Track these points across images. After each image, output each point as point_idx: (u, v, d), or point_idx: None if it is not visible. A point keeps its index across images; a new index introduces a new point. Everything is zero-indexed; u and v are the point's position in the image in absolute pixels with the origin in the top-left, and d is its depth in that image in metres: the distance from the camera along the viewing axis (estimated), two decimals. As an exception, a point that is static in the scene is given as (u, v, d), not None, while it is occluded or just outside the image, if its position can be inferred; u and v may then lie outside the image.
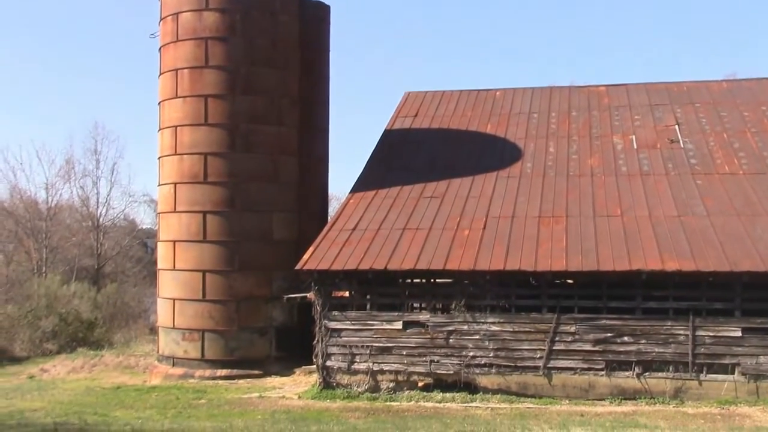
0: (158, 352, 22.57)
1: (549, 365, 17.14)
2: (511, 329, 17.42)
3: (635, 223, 18.33)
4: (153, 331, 28.03)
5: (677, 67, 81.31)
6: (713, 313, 16.67)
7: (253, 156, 21.54)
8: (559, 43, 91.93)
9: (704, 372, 16.53)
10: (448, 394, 17.19)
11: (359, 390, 17.83)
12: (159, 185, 22.83)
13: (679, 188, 19.85)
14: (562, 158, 22.09)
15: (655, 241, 17.47)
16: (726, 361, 16.48)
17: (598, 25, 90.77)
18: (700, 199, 19.19)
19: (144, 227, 51.62)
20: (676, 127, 23.07)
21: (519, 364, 17.31)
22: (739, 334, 16.46)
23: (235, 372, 20.79)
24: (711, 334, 16.59)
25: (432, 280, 18.56)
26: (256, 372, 20.84)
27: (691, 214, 18.56)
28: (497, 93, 26.90)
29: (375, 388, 17.88)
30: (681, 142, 22.22)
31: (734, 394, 16.22)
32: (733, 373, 16.45)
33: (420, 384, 17.79)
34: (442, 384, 17.67)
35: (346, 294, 18.68)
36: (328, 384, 18.15)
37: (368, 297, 18.38)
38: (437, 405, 16.54)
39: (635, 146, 22.26)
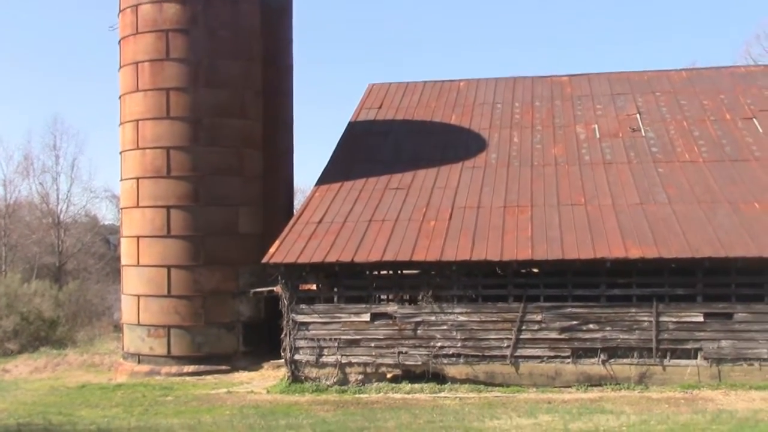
0: (123, 349, 22.28)
1: (516, 354, 17.28)
2: (478, 319, 17.52)
3: (599, 212, 18.54)
4: (117, 328, 27.69)
5: (638, 56, 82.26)
6: (676, 299, 16.95)
7: (217, 149, 21.31)
8: (521, 33, 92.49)
9: (668, 357, 16.81)
10: (416, 385, 17.25)
11: (328, 383, 17.80)
12: (121, 180, 22.49)
13: (641, 176, 20.10)
14: (526, 148, 22.23)
15: (619, 229, 17.69)
16: (689, 346, 16.77)
17: (559, 15, 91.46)
18: (662, 187, 19.46)
19: (106, 223, 50.90)
20: (638, 116, 23.35)
21: (486, 354, 17.42)
22: (701, 319, 16.77)
23: (202, 368, 20.62)
24: (674, 320, 16.86)
25: (399, 272, 18.57)
26: (223, 367, 20.69)
27: (653, 202, 18.81)
28: (461, 84, 26.95)
29: (344, 381, 17.87)
30: (642, 130, 22.50)
31: (697, 378, 16.53)
32: (695, 357, 16.74)
33: (389, 376, 17.82)
34: (411, 375, 17.72)
35: (314, 287, 18.60)
36: (296, 378, 18.08)
37: (335, 290, 18.33)
38: (406, 396, 16.58)
39: (598, 135, 22.49)
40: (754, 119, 22.46)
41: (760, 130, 21.83)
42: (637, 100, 24.38)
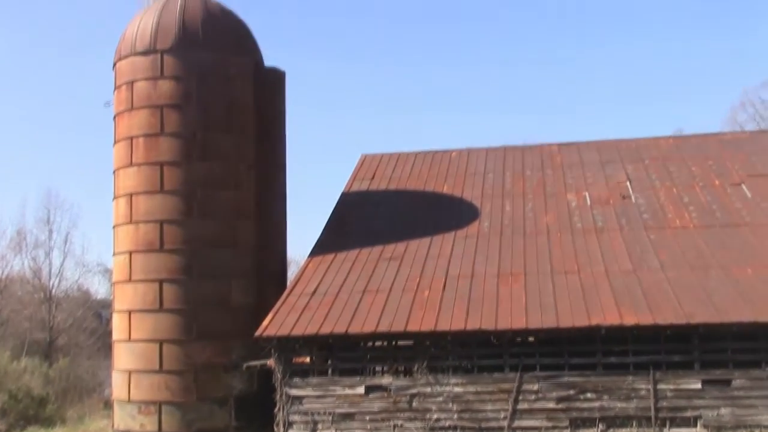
0: (113, 427, 21.77)
1: (513, 425, 16.99)
2: (474, 390, 17.29)
3: (592, 279, 18.53)
4: (108, 405, 27.15)
5: (625, 123, 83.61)
6: (673, 366, 16.80)
7: (210, 222, 21.33)
8: (511, 102, 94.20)
9: (667, 426, 16.56)
10: (413, 459, 16.89)
11: (322, 459, 17.43)
12: (114, 255, 22.42)
13: (633, 243, 20.18)
14: (518, 217, 22.37)
15: (613, 296, 17.66)
16: (688, 414, 16.55)
17: (548, 84, 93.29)
18: (654, 254, 19.51)
19: (98, 298, 50.51)
20: (628, 183, 23.60)
21: (483, 425, 17.12)
22: (699, 386, 16.59)
23: (193, 445, 20.13)
24: (672, 387, 16.68)
25: (393, 343, 18.42)
26: (216, 444, 20.21)
27: (646, 268, 18.84)
28: (453, 154, 27.29)
29: (337, 456, 17.49)
30: (633, 197, 22.71)
31: (698, 447, 16.26)
32: (695, 426, 16.50)
33: (383, 450, 17.45)
34: (407, 449, 17.38)
35: (307, 360, 18.40)
36: (290, 453, 17.71)
37: (329, 362, 18.13)
38: (403, 471, 16.21)
39: (589, 203, 22.68)
40: (742, 185, 22.71)
41: (749, 196, 22.05)
42: (627, 167, 24.68)
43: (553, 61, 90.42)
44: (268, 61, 23.97)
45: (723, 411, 16.43)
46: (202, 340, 20.69)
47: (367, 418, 17.58)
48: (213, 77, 21.92)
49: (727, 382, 16.58)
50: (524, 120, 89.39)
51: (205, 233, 21.23)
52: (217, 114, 21.85)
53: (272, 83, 24.08)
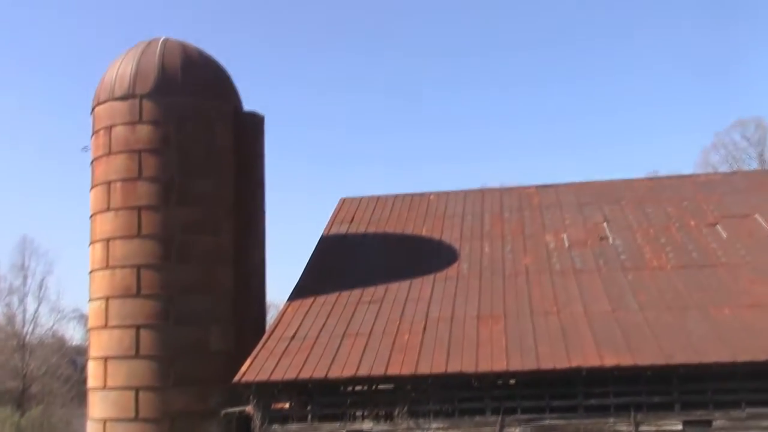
0: (88, 477, 21.25)
1: (496, 470, 16.80)
2: (456, 434, 17.10)
3: (572, 320, 18.54)
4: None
5: (601, 166, 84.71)
6: (654, 407, 16.75)
7: (188, 267, 21.17)
8: (489, 144, 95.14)
9: (650, 468, 16.45)
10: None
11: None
12: (90, 300, 22.13)
13: (611, 284, 20.28)
14: (497, 258, 22.43)
15: (593, 337, 17.66)
16: (670, 456, 16.46)
17: (524, 126, 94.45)
18: (633, 294, 19.60)
19: (73, 344, 49.73)
20: (605, 224, 23.81)
21: (466, 470, 16.91)
22: (680, 427, 16.54)
23: (169, 495, 19.67)
24: (653, 428, 16.61)
25: (374, 387, 18.23)
26: (193, 494, 19.76)
27: (625, 309, 18.90)
28: (431, 196, 27.43)
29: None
30: (610, 238, 22.89)
31: (681, 489, 16.14)
32: (677, 467, 16.40)
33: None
34: (388, 496, 17.08)
35: (287, 405, 18.14)
36: (269, 503, 17.33)
37: (309, 407, 17.87)
38: None
39: (567, 244, 22.81)
40: (717, 225, 22.99)
41: (724, 236, 22.31)
42: (604, 209, 24.92)
43: (530, 105, 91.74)
44: (248, 105, 24.14)
45: (705, 452, 16.38)
46: (179, 386, 20.36)
47: (348, 464, 17.30)
48: (192, 122, 21.97)
49: (707, 423, 16.55)
50: (502, 164, 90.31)
51: (182, 278, 21.05)
52: (195, 158, 21.85)
53: (251, 127, 24.18)
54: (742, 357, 16.36)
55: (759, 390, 16.57)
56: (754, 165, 49.67)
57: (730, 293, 19.23)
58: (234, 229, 22.50)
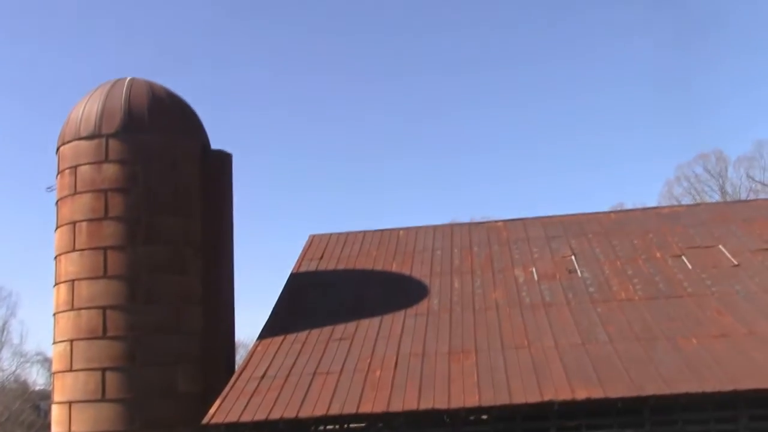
0: None
1: (470, 507, 16.62)
2: (430, 472, 16.93)
3: (543, 353, 18.57)
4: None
5: (566, 199, 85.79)
6: (626, 439, 16.77)
7: (155, 307, 20.87)
8: (457, 178, 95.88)
9: (624, 501, 16.39)
10: None
11: None
12: (54, 343, 21.69)
13: (580, 317, 20.39)
14: (467, 293, 22.47)
15: (563, 370, 17.68)
16: (643, 488, 16.44)
17: (491, 162, 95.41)
18: (602, 326, 19.72)
19: (37, 389, 48.55)
20: (573, 257, 24.02)
21: None
22: (653, 459, 16.57)
23: None
24: (626, 461, 16.61)
25: (346, 425, 18.01)
26: None
27: (595, 341, 19.00)
28: (401, 232, 27.49)
29: None
30: (578, 271, 23.08)
31: None
32: (651, 500, 16.38)
33: None
34: None
35: (257, 447, 17.82)
36: None
37: (279, 448, 17.58)
38: None
39: (536, 278, 22.95)
40: (683, 257, 23.32)
41: (690, 267, 22.63)
42: (571, 242, 25.16)
43: (495, 139, 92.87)
44: (215, 143, 24.10)
45: (677, 484, 16.39)
46: (146, 429, 19.94)
47: (320, 506, 17.01)
48: (159, 160, 21.85)
49: (679, 454, 16.59)
50: (470, 197, 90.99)
51: (149, 319, 20.74)
52: (163, 197, 21.69)
53: (219, 165, 24.11)
54: (710, 387, 16.47)
55: (727, 420, 16.69)
56: (716, 197, 50.68)
57: (697, 323, 19.44)
58: (202, 268, 22.29)
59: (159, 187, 21.69)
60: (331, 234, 27.77)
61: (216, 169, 23.82)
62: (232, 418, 17.27)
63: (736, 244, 23.75)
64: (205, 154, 23.41)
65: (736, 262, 22.64)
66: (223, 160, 24.51)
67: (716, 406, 16.76)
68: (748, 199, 42.19)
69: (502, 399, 16.88)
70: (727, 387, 16.40)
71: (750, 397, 16.49)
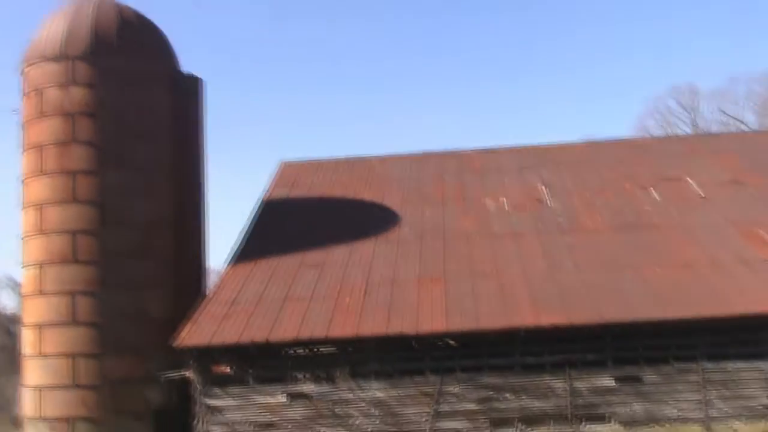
0: (25, 446, 20.94)
1: (435, 428, 17.13)
2: (396, 394, 17.37)
3: (510, 282, 18.90)
4: (18, 424, 26.07)
5: (538, 130, 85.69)
6: (588, 364, 17.26)
7: (126, 232, 20.78)
8: (430, 108, 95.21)
9: (583, 423, 16.98)
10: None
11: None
12: (23, 267, 21.58)
13: (549, 246, 20.68)
14: (438, 221, 22.64)
15: (530, 298, 18.05)
16: (602, 411, 17.02)
17: (463, 91, 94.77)
18: (569, 256, 20.05)
19: (7, 313, 48.50)
20: (543, 188, 24.20)
21: (405, 429, 17.21)
22: (613, 383, 17.09)
23: (108, 461, 19.53)
24: (587, 385, 17.14)
25: (315, 350, 18.33)
26: (133, 459, 19.65)
27: (562, 270, 19.33)
28: (373, 161, 27.44)
29: (261, 466, 17.26)
30: (548, 202, 23.29)
31: (612, 442, 16.74)
32: (609, 422, 16.98)
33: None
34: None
35: (228, 370, 18.12)
36: (210, 465, 17.37)
37: (250, 371, 17.89)
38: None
39: (506, 208, 23.14)
40: (651, 188, 23.60)
41: (657, 199, 22.94)
42: (542, 172, 25.32)
43: (467, 69, 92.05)
44: (186, 67, 23.64)
45: (635, 407, 16.98)
46: (117, 353, 20.11)
47: (290, 426, 17.43)
48: (128, 85, 21.41)
49: (638, 379, 17.14)
50: (443, 127, 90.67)
51: (120, 244, 20.67)
52: (132, 122, 21.34)
53: (190, 91, 23.72)
54: (672, 314, 16.95)
55: (686, 346, 17.20)
56: (688, 130, 50.92)
57: (662, 254, 19.82)
58: (173, 194, 22.13)
59: (128, 112, 21.31)
60: (302, 161, 27.65)
61: (187, 94, 23.44)
62: (202, 341, 17.48)
63: (704, 177, 24.06)
64: (176, 78, 22.97)
65: (703, 195, 22.98)
66: (194, 84, 24.10)
67: (676, 332, 17.25)
68: (719, 132, 42.44)
69: (469, 325, 17.25)
70: (687, 314, 16.89)
71: (709, 323, 16.99)
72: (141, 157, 21.38)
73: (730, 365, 17.03)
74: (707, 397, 16.90)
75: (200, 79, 24.38)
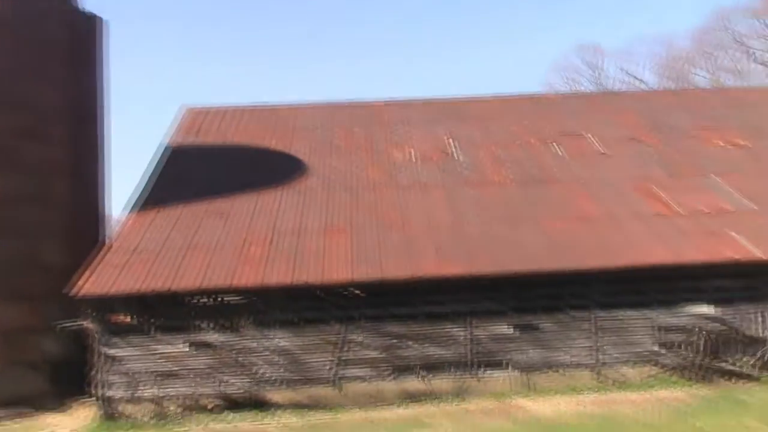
0: None
1: (339, 376, 17.35)
2: (301, 343, 17.44)
3: (415, 233, 19.13)
4: None
5: (447, 81, 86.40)
6: (488, 313, 17.76)
7: (17, 177, 19.80)
8: (338, 57, 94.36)
9: (482, 369, 17.54)
10: (238, 414, 16.83)
11: (144, 419, 16.95)
12: None
13: (454, 198, 21.00)
14: (345, 172, 22.59)
15: (434, 248, 18.34)
16: (501, 358, 17.62)
17: (374, 42, 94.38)
18: (474, 208, 20.43)
19: None
20: (451, 140, 24.46)
21: (310, 377, 17.35)
22: (511, 331, 17.69)
23: (2, 413, 18.90)
24: (487, 333, 17.66)
25: (220, 299, 18.15)
26: (28, 411, 19.07)
27: (466, 222, 19.69)
28: (281, 109, 27.01)
29: (162, 416, 17.08)
30: (455, 154, 23.58)
31: (509, 387, 17.37)
32: (507, 368, 17.61)
33: (210, 407, 17.26)
34: (234, 404, 17.27)
35: (128, 319, 17.73)
36: (109, 416, 17.07)
37: (152, 321, 17.56)
38: (228, 426, 16.14)
39: (414, 159, 23.30)
40: (554, 143, 24.21)
41: (560, 154, 23.57)
42: (450, 125, 25.55)
43: (381, 18, 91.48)
44: (87, 5, 22.52)
45: (532, 353, 17.65)
46: (10, 301, 19.35)
47: (192, 375, 17.27)
48: (19, 19, 20.21)
49: (535, 327, 17.78)
50: (352, 76, 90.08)
51: (11, 189, 19.70)
52: (24, 60, 20.21)
53: (88, 29, 22.65)
54: (568, 265, 17.59)
55: (581, 296, 17.93)
56: (592, 88, 52.43)
57: (562, 207, 20.45)
58: (70, 138, 21.22)
59: (21, 49, 20.15)
60: (208, 108, 26.92)
61: (85, 33, 22.37)
62: (101, 289, 16.98)
63: (604, 134, 24.85)
64: (74, 16, 21.85)
65: (603, 151, 23.75)
66: (94, 23, 23.02)
67: (572, 283, 17.94)
68: (620, 91, 43.83)
69: (374, 274, 17.41)
70: (582, 265, 17.57)
71: (602, 274, 17.73)
72: (34, 98, 20.34)
73: (621, 314, 17.87)
74: (598, 344, 17.73)
75: (100, 18, 23.31)
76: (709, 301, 17.97)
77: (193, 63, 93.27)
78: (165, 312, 17.60)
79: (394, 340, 17.50)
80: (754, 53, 48.64)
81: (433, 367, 17.48)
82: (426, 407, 16.58)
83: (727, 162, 22.90)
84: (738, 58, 49.30)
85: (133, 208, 20.65)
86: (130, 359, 17.21)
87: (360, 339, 17.45)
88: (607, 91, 47.24)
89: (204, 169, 22.85)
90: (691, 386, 16.97)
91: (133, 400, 17.09)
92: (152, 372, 17.17)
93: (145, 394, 17.11)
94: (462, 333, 17.59)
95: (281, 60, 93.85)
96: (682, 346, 17.71)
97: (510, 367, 17.58)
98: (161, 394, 17.13)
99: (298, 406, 17.11)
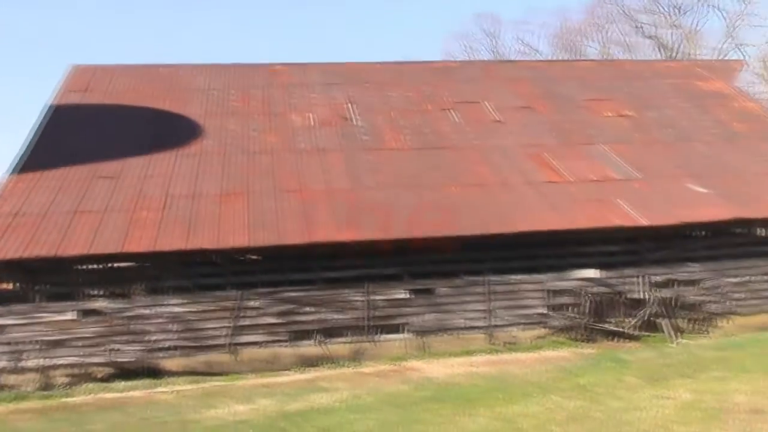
0: None
1: (234, 342, 17.16)
2: (196, 309, 17.11)
3: (313, 198, 19.03)
4: None
5: (351, 51, 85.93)
6: (385, 278, 17.95)
7: None
8: (231, 19, 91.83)
9: (379, 333, 17.75)
10: (131, 383, 16.38)
11: (29, 390, 16.24)
12: None
13: (353, 164, 20.97)
14: (242, 135, 22.15)
15: (332, 214, 18.31)
16: (397, 322, 17.87)
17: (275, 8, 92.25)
18: (372, 174, 20.48)
19: None
20: (350, 105, 24.35)
21: (204, 344, 17.08)
22: (407, 296, 17.95)
23: None
24: (384, 298, 17.85)
25: (110, 266, 17.54)
26: None
27: (364, 187, 19.74)
28: (176, 68, 26.12)
29: (48, 386, 16.42)
30: (354, 120, 23.50)
31: (405, 350, 17.64)
32: (403, 332, 17.89)
33: (100, 375, 16.73)
34: (125, 373, 16.79)
35: (10, 286, 16.91)
36: (-9, 387, 16.30)
37: (36, 288, 16.82)
38: (119, 395, 15.68)
39: (312, 123, 23.08)
40: (451, 110, 24.50)
41: (457, 120, 23.89)
42: (349, 90, 25.41)
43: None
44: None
45: (427, 317, 17.97)
46: None
47: (80, 344, 16.65)
48: None
49: (431, 291, 18.11)
50: (247, 41, 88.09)
51: None
52: None
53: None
54: (464, 231, 17.96)
55: (475, 260, 18.38)
56: (489, 56, 53.27)
57: (458, 173, 20.78)
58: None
59: None
60: (97, 66, 25.70)
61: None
62: (-20, 256, 16.09)
63: (499, 101, 25.32)
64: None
65: (497, 118, 24.22)
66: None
67: (467, 248, 18.34)
68: (515, 60, 44.70)
69: (271, 240, 17.23)
70: (477, 231, 17.97)
71: (496, 240, 18.22)
72: None
73: (513, 278, 18.43)
74: (491, 308, 18.24)
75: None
76: (595, 266, 18.78)
77: (82, 22, 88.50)
78: (51, 279, 16.90)
79: (292, 306, 17.44)
80: (641, 27, 50.64)
81: (330, 332, 17.55)
82: (323, 371, 16.64)
83: (615, 132, 23.83)
84: (627, 31, 51.22)
85: (14, 170, 19.57)
86: (14, 328, 16.43)
87: (257, 305, 17.29)
88: (504, 60, 48.06)
89: (92, 130, 21.86)
90: (577, 346, 17.75)
91: (17, 370, 16.34)
92: (38, 341, 16.46)
93: (30, 364, 16.39)
94: (359, 298, 17.70)
95: (170, 21, 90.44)
96: (570, 309, 18.47)
97: (406, 331, 17.87)
98: (47, 364, 16.45)
99: (193, 374, 16.82)
